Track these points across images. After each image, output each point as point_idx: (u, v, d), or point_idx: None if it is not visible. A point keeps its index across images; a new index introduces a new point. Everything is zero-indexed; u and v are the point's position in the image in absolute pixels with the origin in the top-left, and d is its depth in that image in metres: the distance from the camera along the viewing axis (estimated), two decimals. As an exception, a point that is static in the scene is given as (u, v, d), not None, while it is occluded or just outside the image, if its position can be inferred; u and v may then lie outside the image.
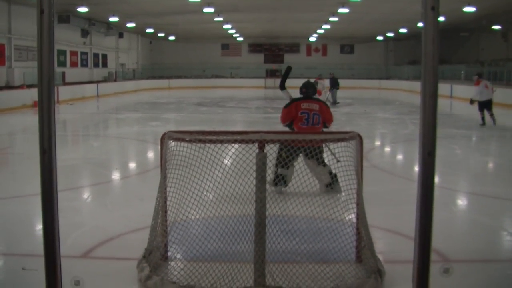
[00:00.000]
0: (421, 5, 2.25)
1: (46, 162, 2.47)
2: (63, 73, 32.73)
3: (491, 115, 17.83)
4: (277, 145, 6.33)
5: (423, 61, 2.25)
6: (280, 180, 7.27)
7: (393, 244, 5.97)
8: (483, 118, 18.00)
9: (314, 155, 7.15)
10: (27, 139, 16.36)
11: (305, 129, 8.10)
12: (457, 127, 17.72)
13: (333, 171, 7.26)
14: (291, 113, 8.26)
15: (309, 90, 8.51)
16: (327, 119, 8.36)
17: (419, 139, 2.42)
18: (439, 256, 5.32)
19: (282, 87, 8.92)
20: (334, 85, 27.71)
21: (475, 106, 18.30)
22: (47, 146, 2.44)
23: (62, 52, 34.39)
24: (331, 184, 7.31)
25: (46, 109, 2.39)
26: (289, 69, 9.11)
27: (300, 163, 6.28)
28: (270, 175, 6.66)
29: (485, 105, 17.95)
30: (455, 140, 14.46)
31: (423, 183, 2.43)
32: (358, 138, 4.99)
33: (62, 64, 34.37)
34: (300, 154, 7.28)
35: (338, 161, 5.49)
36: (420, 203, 2.46)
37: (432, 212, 2.45)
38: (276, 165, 7.14)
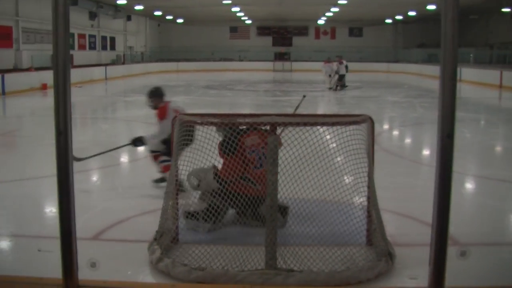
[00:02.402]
0: (440, -14, 2.22)
1: (62, 143, 2.47)
2: (72, 56, 32.70)
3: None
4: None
5: (442, 43, 2.23)
6: (213, 215, 5.39)
7: (404, 227, 5.96)
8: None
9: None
10: (35, 121, 16.40)
11: (261, 174, 5.40)
12: (466, 111, 17.62)
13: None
14: (238, 162, 5.39)
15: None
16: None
17: (438, 122, 2.39)
18: (450, 239, 5.31)
19: None
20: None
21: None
22: (63, 128, 2.44)
23: (70, 35, 34.19)
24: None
25: (61, 91, 2.39)
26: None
27: (306, 146, 5.09)
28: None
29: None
30: (464, 124, 14.38)
31: (441, 165, 2.41)
32: (369, 121, 4.97)
33: (70, 47, 33.83)
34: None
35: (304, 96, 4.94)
36: (439, 185, 2.44)
37: (450, 195, 2.44)
38: (204, 214, 5.44)
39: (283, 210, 5.54)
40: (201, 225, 5.47)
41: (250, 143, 5.49)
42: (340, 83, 26.45)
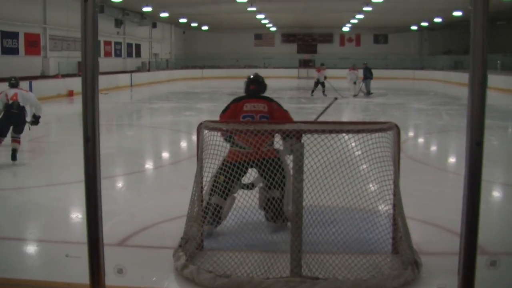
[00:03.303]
0: (469, -8, 2.20)
1: (89, 150, 2.49)
2: (98, 63, 33.02)
3: None
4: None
5: (471, 49, 2.21)
6: (213, 214, 5.45)
7: (430, 235, 5.90)
8: None
9: (269, 172, 5.18)
10: (63, 127, 16.58)
11: (249, 140, 5.18)
12: (493, 118, 17.41)
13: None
14: (229, 118, 5.86)
15: (259, 87, 6.22)
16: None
17: (467, 129, 2.36)
18: (478, 249, 5.24)
19: None
20: (368, 75, 27.40)
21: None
22: (91, 134, 2.46)
23: (96, 42, 34.66)
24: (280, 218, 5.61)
25: (90, 98, 2.41)
26: None
27: (332, 153, 5.02)
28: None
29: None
30: (491, 131, 14.20)
31: (470, 173, 2.38)
32: (395, 129, 4.93)
33: (97, 54, 34.63)
34: (245, 174, 5.49)
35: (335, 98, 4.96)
36: (468, 194, 2.41)
37: (479, 203, 2.41)
38: (209, 194, 5.44)
39: (285, 218, 5.55)
40: (205, 229, 5.34)
41: (248, 108, 5.86)
42: (322, 90, 27.01)
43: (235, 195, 5.51)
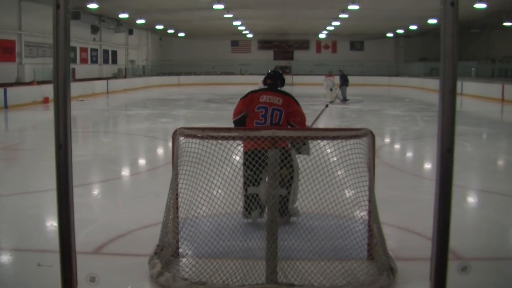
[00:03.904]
0: (440, 1, 2.23)
1: (61, 157, 2.47)
2: (73, 70, 32.84)
3: None
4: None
5: (442, 58, 2.23)
6: (252, 203, 5.89)
7: (405, 241, 5.94)
8: None
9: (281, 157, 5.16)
10: (38, 135, 16.43)
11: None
12: (468, 124, 17.62)
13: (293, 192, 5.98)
14: (245, 106, 6.43)
15: (276, 82, 6.60)
16: (295, 119, 6.35)
17: (437, 136, 2.38)
18: (452, 254, 5.28)
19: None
20: (344, 82, 27.57)
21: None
22: (63, 142, 2.43)
23: (72, 49, 34.39)
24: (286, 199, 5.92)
25: (62, 105, 2.39)
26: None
27: (307, 159, 5.46)
28: (240, 205, 5.72)
29: None
30: (466, 137, 14.37)
31: (441, 179, 2.40)
32: (370, 135, 4.97)
33: (72, 60, 34.40)
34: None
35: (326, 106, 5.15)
36: (439, 200, 2.42)
37: (450, 209, 2.43)
38: (244, 189, 5.87)
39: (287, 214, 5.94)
40: (253, 216, 6.00)
41: (264, 100, 6.34)
42: None
43: (265, 176, 5.45)
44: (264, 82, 6.63)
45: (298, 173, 5.85)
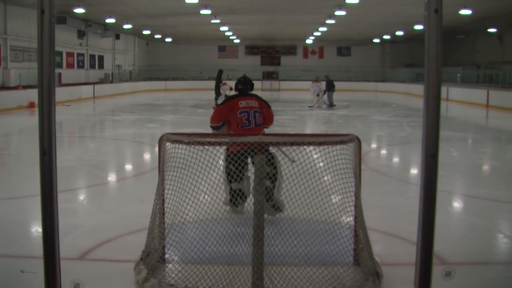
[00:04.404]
0: (424, 8, 2.24)
1: (46, 163, 2.45)
2: (60, 74, 32.73)
3: None
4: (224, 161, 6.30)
5: (426, 63, 2.24)
6: (238, 196, 6.43)
7: (391, 246, 5.96)
8: None
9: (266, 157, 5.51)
10: (23, 140, 16.33)
11: (248, 131, 6.75)
12: (454, 130, 17.72)
13: (276, 184, 6.40)
14: (224, 113, 7.01)
15: (246, 86, 7.29)
16: (266, 119, 7.14)
17: (422, 142, 2.39)
18: (437, 259, 5.31)
19: (217, 93, 8.36)
20: (330, 87, 27.65)
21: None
22: (47, 148, 2.42)
23: (58, 53, 34.28)
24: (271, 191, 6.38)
25: (46, 110, 2.37)
26: (220, 72, 8.68)
27: (294, 165, 5.50)
28: (224, 195, 6.15)
29: None
30: (451, 143, 14.47)
31: (426, 185, 2.40)
32: (356, 141, 4.98)
33: (59, 65, 34.27)
34: (249, 160, 5.84)
35: (293, 161, 5.38)
36: (423, 206, 2.43)
37: (434, 215, 2.43)
38: (228, 182, 6.42)
39: (277, 208, 6.40)
40: (239, 210, 6.64)
41: (243, 105, 6.92)
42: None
43: (249, 174, 5.88)
44: (235, 87, 7.33)
45: (281, 171, 6.10)
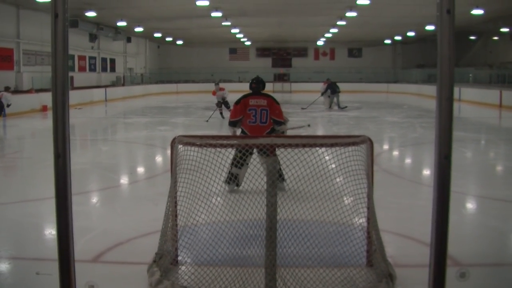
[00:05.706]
0: (436, 8, 2.23)
1: (60, 166, 2.47)
2: (72, 78, 32.86)
3: None
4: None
5: (438, 65, 2.23)
6: (233, 179, 7.32)
7: (404, 248, 5.94)
8: None
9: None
10: (36, 143, 16.42)
11: (253, 127, 8.30)
12: (466, 131, 17.64)
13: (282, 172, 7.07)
14: (241, 110, 8.39)
15: (259, 85, 8.65)
16: (276, 114, 8.35)
17: (435, 143, 2.38)
18: (450, 260, 5.29)
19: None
20: (334, 90, 27.33)
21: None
22: (62, 151, 2.43)
23: (70, 57, 34.42)
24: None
25: (60, 113, 2.39)
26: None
27: (306, 167, 5.42)
28: (224, 174, 6.45)
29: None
30: (464, 144, 14.40)
31: (439, 187, 2.39)
32: (368, 142, 4.97)
33: (71, 68, 34.41)
34: (254, 151, 6.52)
35: (308, 125, 5.52)
36: (436, 207, 2.42)
37: (448, 216, 2.42)
38: (231, 164, 6.76)
39: (280, 176, 6.82)
40: (229, 188, 7.78)
41: (253, 103, 8.35)
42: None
43: (248, 163, 6.10)
44: (250, 86, 8.67)
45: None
